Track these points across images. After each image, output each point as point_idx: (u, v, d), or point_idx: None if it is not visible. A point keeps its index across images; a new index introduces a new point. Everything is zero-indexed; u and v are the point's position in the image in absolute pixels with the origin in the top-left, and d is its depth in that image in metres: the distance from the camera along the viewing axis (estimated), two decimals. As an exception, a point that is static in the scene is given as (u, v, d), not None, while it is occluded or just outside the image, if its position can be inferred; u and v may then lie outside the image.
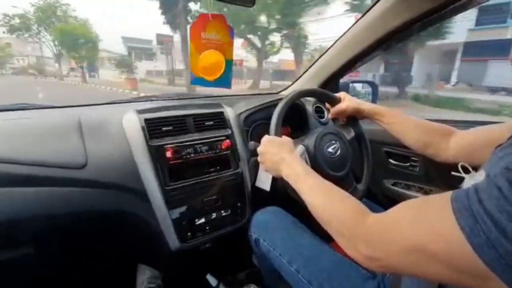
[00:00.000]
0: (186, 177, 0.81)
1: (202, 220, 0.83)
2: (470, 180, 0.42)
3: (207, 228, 0.84)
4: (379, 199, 1.15)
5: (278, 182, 0.73)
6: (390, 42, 1.02)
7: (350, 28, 1.04)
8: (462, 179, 0.48)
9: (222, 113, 0.94)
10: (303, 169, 0.61)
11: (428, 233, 0.34)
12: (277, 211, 0.84)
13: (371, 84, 1.31)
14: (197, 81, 0.71)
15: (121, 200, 0.75)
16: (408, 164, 1.06)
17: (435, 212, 0.35)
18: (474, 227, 0.30)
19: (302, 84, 1.31)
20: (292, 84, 1.39)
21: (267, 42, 14.51)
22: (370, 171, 0.87)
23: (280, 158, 0.65)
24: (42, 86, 15.04)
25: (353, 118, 0.87)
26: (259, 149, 0.71)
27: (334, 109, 0.86)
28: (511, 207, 0.28)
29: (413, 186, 1.04)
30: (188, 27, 0.68)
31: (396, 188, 1.08)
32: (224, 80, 0.72)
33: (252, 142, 0.80)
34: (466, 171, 0.49)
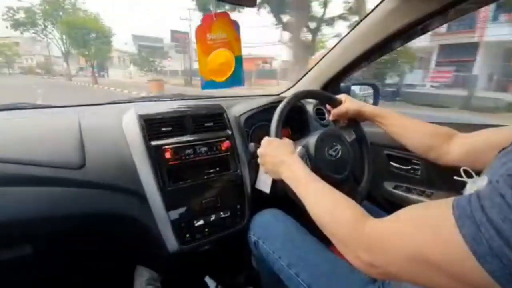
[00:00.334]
0: (185, 178, 0.81)
1: (201, 222, 0.82)
2: (473, 185, 0.41)
3: (206, 230, 0.83)
4: (380, 202, 1.14)
5: (278, 184, 0.73)
6: (393, 44, 1.01)
7: (352, 29, 1.04)
8: (464, 184, 0.47)
9: (222, 114, 0.93)
10: (303, 172, 0.60)
11: (429, 241, 0.33)
12: (277, 213, 0.83)
13: (373, 86, 1.30)
14: (208, 85, 0.70)
15: (119, 201, 0.74)
16: (409, 167, 1.05)
17: (437, 220, 0.34)
18: (476, 236, 0.29)
19: (303, 86, 1.31)
20: (293, 85, 1.38)
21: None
22: (371, 173, 0.86)
23: (280, 160, 0.64)
24: (47, 88, 13.83)
25: (354, 120, 0.86)
26: (259, 151, 0.70)
27: (335, 111, 0.85)
28: None
29: (414, 190, 1.04)
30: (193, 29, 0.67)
31: (397, 191, 1.07)
32: (236, 79, 0.71)
33: (252, 144, 0.79)
34: (469, 175, 0.49)
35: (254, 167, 0.92)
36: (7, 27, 18.96)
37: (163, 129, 0.81)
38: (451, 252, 0.31)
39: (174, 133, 0.82)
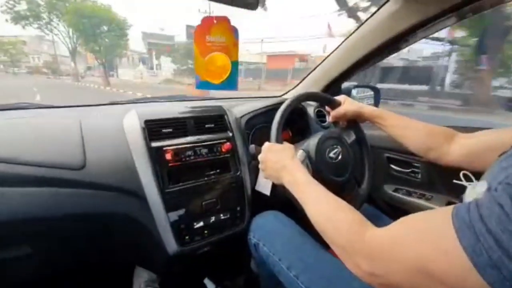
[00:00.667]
0: (185, 180, 0.81)
1: (201, 223, 0.82)
2: (472, 191, 0.41)
3: (206, 232, 0.83)
4: (380, 205, 1.13)
5: (278, 187, 0.73)
6: (395, 47, 1.01)
7: (354, 32, 1.04)
8: (464, 187, 0.47)
9: (223, 115, 0.93)
10: (304, 177, 0.60)
11: (430, 252, 0.33)
12: (277, 215, 0.83)
13: (374, 89, 1.30)
14: (203, 85, 0.71)
15: (119, 202, 0.74)
16: (409, 170, 1.05)
17: (437, 230, 0.34)
18: (476, 247, 0.29)
19: (305, 88, 1.31)
20: (294, 87, 1.38)
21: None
22: (371, 174, 0.86)
23: (281, 165, 0.64)
24: (48, 92, 12.30)
25: (354, 122, 0.86)
26: (260, 157, 0.70)
27: (334, 113, 0.85)
28: None
29: (414, 193, 1.03)
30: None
31: (397, 194, 1.07)
32: (230, 82, 0.72)
33: (252, 146, 0.79)
34: (468, 179, 0.49)
35: (255, 169, 0.92)
36: (6, 20, 15.68)
37: (164, 130, 0.81)
38: (451, 262, 0.31)
39: (175, 135, 0.82)
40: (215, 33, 0.66)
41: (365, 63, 1.10)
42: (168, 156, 0.78)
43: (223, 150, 0.87)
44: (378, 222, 0.79)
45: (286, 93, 1.39)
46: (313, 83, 1.26)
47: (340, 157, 0.77)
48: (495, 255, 0.27)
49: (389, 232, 0.40)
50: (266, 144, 0.70)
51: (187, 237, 0.80)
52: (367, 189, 0.84)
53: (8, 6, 15.18)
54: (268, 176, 0.69)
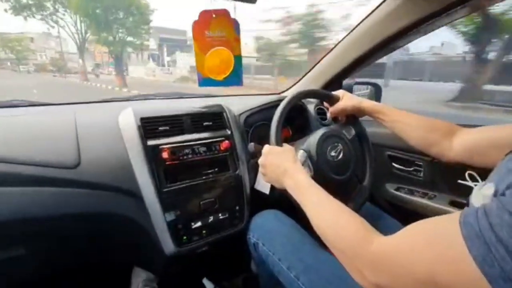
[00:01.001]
0: (182, 179, 0.79)
1: (199, 223, 0.80)
2: (478, 193, 0.39)
3: (204, 231, 0.81)
4: (382, 204, 1.12)
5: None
6: (395, 44, 0.99)
7: (354, 28, 1.02)
8: (467, 187, 0.46)
9: (221, 113, 0.91)
10: (307, 182, 0.58)
11: (438, 262, 0.32)
12: (277, 214, 0.81)
13: (374, 85, 1.28)
14: (206, 82, 0.69)
15: (115, 201, 0.72)
16: (412, 168, 1.03)
17: (445, 239, 0.32)
18: (487, 257, 0.27)
19: (304, 85, 1.29)
20: (294, 84, 1.37)
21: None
22: (373, 169, 0.84)
23: (283, 170, 0.62)
24: (50, 95, 11.17)
25: (353, 117, 0.84)
26: (260, 161, 0.69)
27: (333, 108, 0.83)
28: None
29: (417, 192, 1.02)
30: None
31: (399, 193, 1.05)
32: (234, 78, 0.70)
33: (251, 144, 0.77)
34: (474, 179, 0.47)
35: (254, 167, 0.90)
36: (6, 10, 13.41)
37: (161, 128, 0.79)
38: (460, 273, 0.30)
39: (172, 133, 0.81)
40: (214, 28, 0.63)
41: (365, 60, 1.08)
42: (165, 155, 0.76)
43: (222, 148, 0.86)
44: (380, 221, 0.78)
45: (286, 90, 1.37)
46: (314, 80, 1.25)
47: (341, 155, 0.75)
48: (507, 266, 0.26)
49: (394, 241, 0.39)
50: (266, 147, 0.69)
51: (184, 237, 0.78)
52: (369, 186, 0.82)
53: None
54: (269, 181, 0.68)
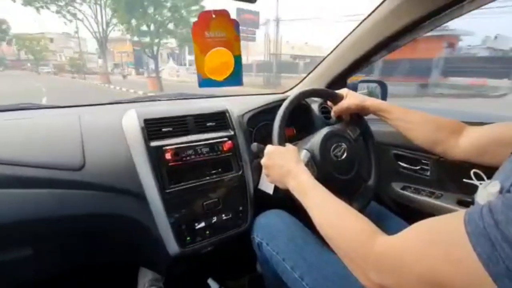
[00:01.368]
0: (186, 180, 0.79)
1: (202, 224, 0.80)
2: (483, 190, 0.39)
3: (208, 232, 0.81)
4: (388, 203, 1.11)
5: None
6: (399, 42, 0.98)
7: (358, 26, 1.01)
8: (474, 185, 0.45)
9: (224, 113, 0.91)
10: (311, 183, 0.58)
11: (442, 261, 0.31)
12: (281, 213, 0.81)
13: (380, 83, 1.27)
14: (206, 83, 0.68)
15: (119, 203, 0.73)
16: (418, 167, 1.02)
17: (448, 237, 0.32)
18: (492, 255, 0.27)
19: (308, 84, 1.28)
20: (298, 84, 1.36)
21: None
22: (378, 170, 0.83)
23: (286, 170, 0.62)
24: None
25: (357, 116, 0.83)
26: (263, 162, 0.69)
27: (336, 107, 0.82)
28: None
29: (423, 191, 1.00)
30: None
31: (405, 192, 1.04)
32: (235, 78, 0.69)
33: (255, 144, 0.77)
34: (479, 177, 0.46)
35: (257, 167, 0.90)
36: (14, 0, 11.76)
37: (164, 129, 0.80)
38: (465, 272, 0.29)
39: (175, 134, 0.81)
40: (214, 28, 0.63)
41: (369, 59, 1.07)
42: (168, 156, 0.76)
43: (225, 148, 0.86)
44: (386, 221, 0.77)
45: (290, 90, 1.37)
46: (317, 79, 1.24)
47: (345, 154, 0.75)
48: None
49: (398, 241, 0.39)
50: (269, 147, 0.69)
51: (188, 238, 0.79)
52: (375, 185, 0.81)
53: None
54: (272, 182, 0.68)
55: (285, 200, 0.73)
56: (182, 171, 0.79)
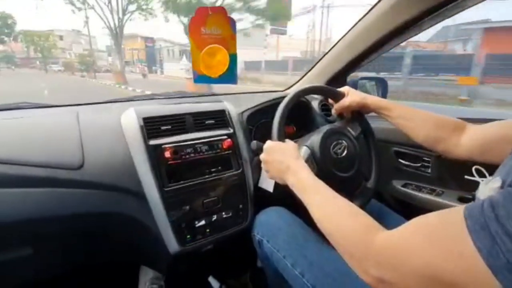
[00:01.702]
0: (185, 178, 0.79)
1: (203, 222, 0.80)
2: (485, 187, 0.38)
3: (208, 230, 0.81)
4: (388, 201, 1.10)
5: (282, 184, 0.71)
6: (399, 38, 0.97)
7: (358, 22, 1.00)
8: (476, 182, 0.45)
9: (223, 111, 0.91)
10: (310, 179, 0.57)
11: (442, 256, 0.31)
12: (281, 211, 0.81)
13: (381, 80, 1.26)
14: (201, 79, 0.68)
15: (118, 201, 0.73)
16: (419, 164, 1.01)
17: (449, 232, 0.32)
18: (492, 248, 0.27)
19: (308, 81, 1.28)
20: (298, 81, 1.35)
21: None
22: (378, 168, 0.83)
23: (286, 166, 0.62)
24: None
25: (359, 114, 0.83)
26: (262, 157, 0.68)
27: (337, 105, 0.82)
28: None
29: (424, 188, 1.00)
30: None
31: (406, 190, 1.03)
32: (229, 76, 0.69)
33: (254, 142, 0.77)
34: (481, 174, 0.46)
35: (257, 165, 0.90)
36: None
37: (163, 127, 0.79)
38: (465, 266, 0.29)
39: (174, 132, 0.81)
40: (210, 25, 0.63)
41: (369, 55, 1.07)
42: (167, 154, 0.76)
43: (224, 146, 0.85)
44: (386, 218, 0.77)
45: (290, 87, 1.36)
46: (317, 76, 1.23)
47: (345, 152, 0.74)
48: None
49: (398, 235, 0.38)
50: (268, 143, 0.68)
51: (188, 236, 0.78)
52: (375, 183, 0.81)
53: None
54: (271, 178, 0.68)
55: (285, 198, 0.73)
56: (182, 170, 0.79)
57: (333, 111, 0.85)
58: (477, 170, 0.48)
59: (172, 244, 0.76)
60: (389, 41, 0.97)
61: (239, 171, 0.87)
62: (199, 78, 0.67)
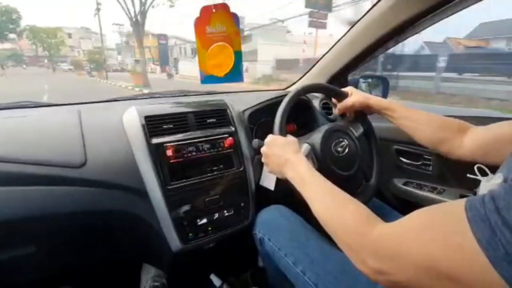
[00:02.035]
0: (187, 176, 0.79)
1: (204, 220, 0.80)
2: (487, 184, 0.39)
3: (210, 228, 0.81)
4: (389, 199, 1.11)
5: (283, 181, 0.71)
6: (400, 36, 0.97)
7: (359, 20, 1.00)
8: (477, 181, 0.45)
9: (225, 110, 0.91)
10: (308, 172, 0.57)
11: (441, 247, 0.31)
12: (282, 209, 0.82)
13: (382, 79, 1.26)
14: (208, 79, 0.69)
15: (121, 200, 0.73)
16: (420, 162, 1.01)
17: (449, 223, 0.32)
18: (491, 240, 0.27)
19: (309, 79, 1.28)
20: (299, 79, 1.35)
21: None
22: (379, 169, 0.83)
23: (285, 159, 0.62)
24: None
25: (361, 114, 0.83)
26: (262, 150, 0.68)
27: (341, 105, 0.82)
28: None
29: (426, 186, 1.00)
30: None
31: (407, 188, 1.04)
32: (235, 74, 0.69)
33: (256, 140, 0.77)
34: (483, 172, 0.46)
35: (258, 163, 0.90)
36: None
37: (165, 126, 0.80)
38: (464, 257, 0.29)
39: (176, 130, 0.81)
40: (214, 23, 0.63)
41: (370, 53, 1.06)
42: (169, 153, 0.76)
43: (226, 145, 0.86)
44: (387, 217, 0.77)
45: (291, 86, 1.36)
46: (319, 74, 1.23)
47: (346, 150, 0.74)
48: None
49: (397, 227, 0.38)
50: (269, 136, 0.68)
51: (190, 234, 0.79)
52: (375, 184, 0.81)
53: None
54: (271, 170, 0.68)
55: (286, 196, 0.73)
56: (184, 168, 0.79)
57: (336, 111, 0.85)
58: (479, 168, 0.48)
59: (174, 242, 0.77)
60: (390, 39, 0.97)
61: (240, 169, 0.87)
62: (206, 78, 0.67)
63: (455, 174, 0.92)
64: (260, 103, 1.01)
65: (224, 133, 0.87)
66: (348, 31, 1.05)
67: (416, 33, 0.97)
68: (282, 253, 0.70)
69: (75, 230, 0.74)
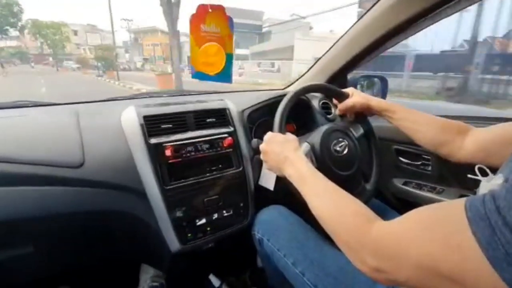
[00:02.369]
0: (186, 177, 0.79)
1: (203, 220, 0.80)
2: (487, 184, 0.38)
3: (209, 229, 0.81)
4: (389, 199, 1.10)
5: (282, 181, 0.71)
6: (404, 34, 0.96)
7: (359, 19, 0.99)
8: (477, 181, 0.44)
9: (224, 109, 0.91)
10: (307, 169, 0.57)
11: (440, 246, 0.31)
12: (282, 209, 0.81)
13: (381, 78, 1.26)
14: (198, 75, 0.69)
15: (119, 200, 0.73)
16: (419, 162, 1.01)
17: (448, 223, 0.31)
18: (491, 240, 0.27)
19: (309, 79, 1.27)
20: (298, 79, 1.35)
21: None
22: (379, 170, 0.83)
23: (284, 157, 0.61)
24: None
25: (361, 115, 0.83)
26: (261, 147, 0.68)
27: (341, 105, 0.82)
28: None
29: (425, 186, 1.00)
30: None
31: (406, 188, 1.04)
32: (225, 75, 0.70)
33: (255, 140, 0.77)
34: (483, 173, 0.46)
35: (258, 163, 0.90)
36: None
37: (163, 126, 0.79)
38: (464, 257, 0.29)
39: (175, 130, 0.80)
40: (209, 23, 0.63)
41: (370, 53, 1.06)
42: (168, 153, 0.76)
43: (225, 145, 0.85)
44: (386, 217, 0.77)
45: (290, 85, 1.36)
46: (317, 74, 1.23)
47: (346, 150, 0.74)
48: None
49: (396, 225, 0.38)
50: (269, 134, 0.68)
51: (189, 235, 0.79)
52: (375, 185, 0.81)
53: None
54: (269, 168, 0.67)
55: (285, 196, 0.73)
56: (182, 168, 0.79)
57: (336, 111, 0.85)
58: (479, 169, 0.48)
59: (173, 242, 0.77)
60: (390, 39, 0.97)
61: (239, 169, 0.87)
62: (196, 74, 0.68)
63: (455, 174, 0.92)
64: (260, 102, 1.01)
65: (223, 133, 0.86)
66: (348, 30, 1.05)
67: (416, 33, 0.97)
68: (281, 254, 0.70)
69: (74, 230, 0.74)
